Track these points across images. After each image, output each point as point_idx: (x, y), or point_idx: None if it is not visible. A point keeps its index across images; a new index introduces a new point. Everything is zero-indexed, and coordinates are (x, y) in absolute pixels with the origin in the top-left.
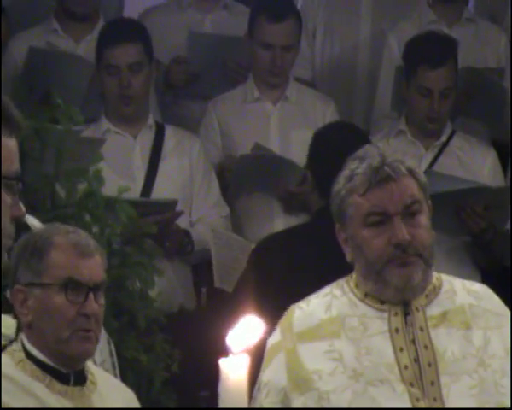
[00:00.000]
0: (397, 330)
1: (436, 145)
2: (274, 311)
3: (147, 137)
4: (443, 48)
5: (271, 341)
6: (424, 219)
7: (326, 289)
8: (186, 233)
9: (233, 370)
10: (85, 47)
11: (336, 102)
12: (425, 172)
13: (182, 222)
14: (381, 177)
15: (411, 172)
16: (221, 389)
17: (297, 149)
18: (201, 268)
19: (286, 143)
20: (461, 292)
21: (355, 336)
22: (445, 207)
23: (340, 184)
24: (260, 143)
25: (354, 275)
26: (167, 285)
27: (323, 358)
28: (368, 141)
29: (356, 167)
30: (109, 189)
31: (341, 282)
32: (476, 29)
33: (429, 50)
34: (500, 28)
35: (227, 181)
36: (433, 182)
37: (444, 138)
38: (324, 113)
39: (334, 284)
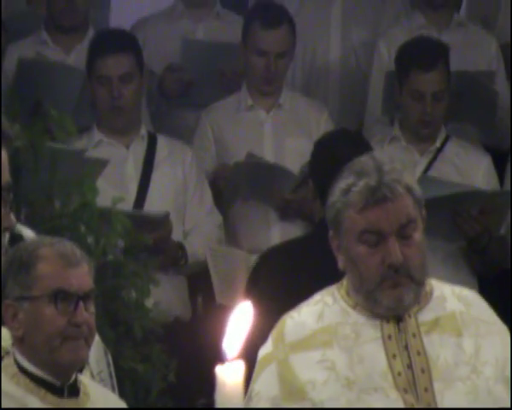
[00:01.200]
0: (389, 337)
1: (431, 151)
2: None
3: (139, 148)
4: (434, 51)
5: (263, 351)
6: (418, 236)
7: (317, 297)
8: (180, 246)
9: (229, 376)
10: (76, 57)
11: None
12: (420, 177)
13: (175, 231)
14: (378, 197)
15: (408, 189)
16: (218, 396)
17: (291, 157)
18: (197, 278)
19: (280, 150)
20: (450, 298)
21: (347, 345)
22: (441, 213)
23: (336, 196)
24: (253, 153)
25: (345, 282)
26: (163, 296)
27: (316, 367)
28: (370, 149)
29: (352, 183)
30: (103, 200)
31: (332, 289)
32: (466, 33)
33: (421, 54)
34: (490, 32)
35: (221, 189)
36: (427, 187)
37: (438, 144)
38: (318, 120)
39: (324, 292)
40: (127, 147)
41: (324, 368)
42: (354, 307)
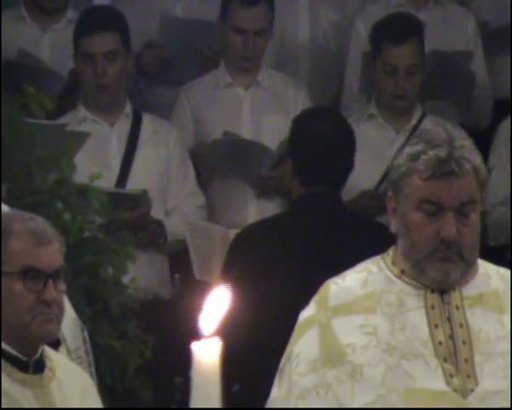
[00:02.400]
0: (433, 307)
1: (407, 129)
2: (254, 299)
3: (124, 126)
4: (407, 25)
5: (305, 314)
6: (475, 217)
7: (361, 266)
8: (159, 224)
9: (205, 353)
10: (51, 36)
11: None
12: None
13: (158, 211)
14: (446, 170)
15: (475, 170)
16: (193, 373)
17: (269, 134)
18: (176, 256)
19: (258, 128)
20: (495, 277)
21: (390, 312)
22: None
23: (403, 160)
24: (229, 131)
25: (391, 252)
26: (142, 274)
27: (357, 332)
28: (349, 128)
29: (422, 151)
30: (85, 177)
31: (376, 259)
32: (444, 12)
33: (393, 28)
34: (468, 10)
35: (199, 167)
36: None
37: (414, 121)
38: (296, 97)
39: (369, 261)
40: (111, 125)
41: (365, 333)
42: (399, 276)
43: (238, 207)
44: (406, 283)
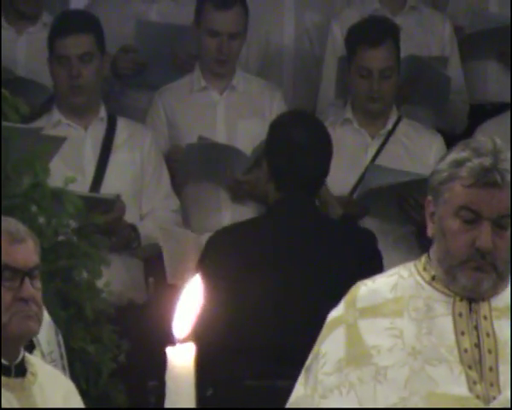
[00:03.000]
0: (460, 315)
1: (382, 134)
2: (228, 303)
3: (98, 130)
4: (381, 28)
5: (334, 314)
6: (509, 234)
7: (392, 270)
8: (133, 228)
9: (179, 358)
10: (26, 39)
11: None
12: (368, 166)
13: (132, 215)
14: (489, 180)
15: None
16: (168, 378)
17: (244, 138)
18: (152, 260)
19: (233, 132)
20: None
21: (418, 317)
22: (389, 197)
23: (446, 165)
24: (203, 135)
25: (423, 258)
26: (117, 279)
27: (384, 334)
28: (326, 132)
29: (467, 158)
30: (59, 181)
31: (409, 264)
32: (420, 17)
33: (367, 31)
34: (444, 15)
35: (173, 171)
36: (376, 175)
37: (389, 126)
38: (271, 101)
39: (401, 266)
40: (86, 128)
41: (391, 335)
42: (429, 282)
43: (212, 211)
44: (436, 289)
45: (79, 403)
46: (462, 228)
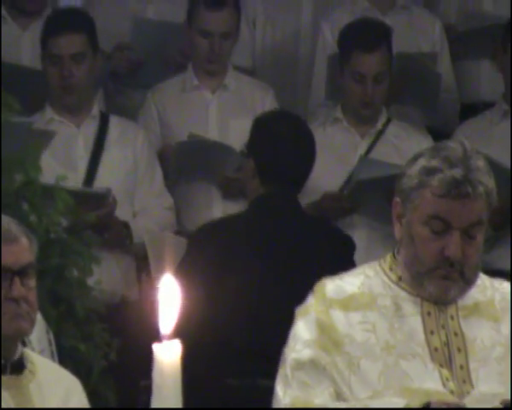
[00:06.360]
0: (429, 314)
1: (372, 133)
2: (205, 301)
3: (91, 127)
4: (376, 33)
5: (301, 306)
6: (480, 238)
7: (358, 270)
8: (125, 225)
9: (166, 355)
10: (31, 34)
11: (278, 92)
12: (359, 159)
13: (124, 212)
14: (460, 192)
15: (487, 193)
16: (155, 375)
17: (236, 138)
18: (144, 258)
19: (225, 131)
20: (490, 288)
21: (387, 314)
22: (378, 194)
23: (417, 170)
24: (194, 133)
25: (388, 258)
26: (109, 276)
27: (357, 328)
28: (308, 130)
29: (438, 168)
30: (52, 179)
31: (373, 264)
32: (410, 16)
33: (362, 36)
34: (434, 14)
35: (165, 169)
36: (367, 169)
37: (379, 126)
38: (263, 100)
39: (365, 265)
40: (78, 126)
41: (364, 330)
42: (396, 282)
43: (203, 209)
44: (403, 289)
45: (82, 402)
46: (432, 236)
